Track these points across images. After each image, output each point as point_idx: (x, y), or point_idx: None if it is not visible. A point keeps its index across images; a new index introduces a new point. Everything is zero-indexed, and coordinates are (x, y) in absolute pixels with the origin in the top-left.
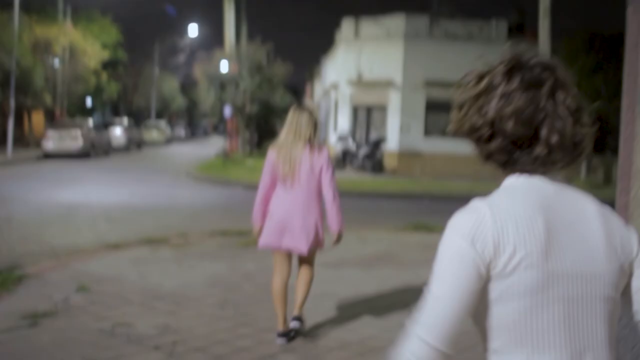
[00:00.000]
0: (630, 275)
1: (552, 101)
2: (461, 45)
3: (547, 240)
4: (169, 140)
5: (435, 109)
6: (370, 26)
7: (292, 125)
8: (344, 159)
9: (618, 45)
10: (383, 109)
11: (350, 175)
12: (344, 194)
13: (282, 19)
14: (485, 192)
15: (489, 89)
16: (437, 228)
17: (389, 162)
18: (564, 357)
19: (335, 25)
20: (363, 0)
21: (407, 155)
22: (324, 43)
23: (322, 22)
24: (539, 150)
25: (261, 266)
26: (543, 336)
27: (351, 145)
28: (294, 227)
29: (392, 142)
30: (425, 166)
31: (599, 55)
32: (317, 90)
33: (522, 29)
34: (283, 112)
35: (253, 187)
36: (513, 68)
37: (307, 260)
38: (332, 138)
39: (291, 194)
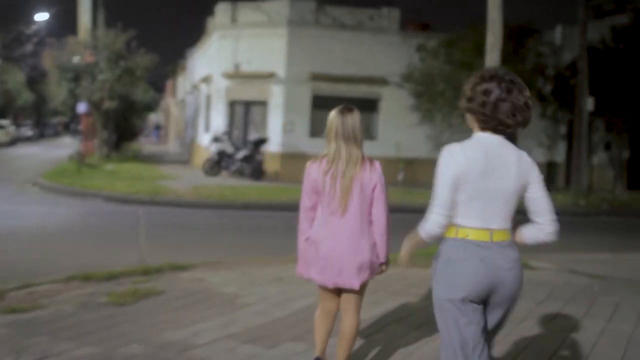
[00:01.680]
0: (527, 189)
1: (518, 99)
2: (350, 34)
3: (483, 170)
4: (14, 142)
5: (322, 105)
6: (249, 11)
7: (340, 133)
8: (219, 163)
9: (524, 36)
10: (264, 105)
11: (228, 182)
12: (226, 206)
13: (145, 7)
14: None
15: (487, 92)
16: None
17: (271, 166)
18: (480, 223)
19: (206, 13)
20: None
21: (290, 158)
22: (188, 37)
23: (189, 13)
24: (512, 125)
25: (151, 348)
26: (471, 214)
27: (228, 146)
28: (344, 261)
29: (274, 143)
30: None
31: (508, 47)
32: (182, 86)
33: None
34: (145, 109)
35: (116, 199)
36: (500, 80)
37: (355, 296)
38: (204, 139)
39: (340, 220)
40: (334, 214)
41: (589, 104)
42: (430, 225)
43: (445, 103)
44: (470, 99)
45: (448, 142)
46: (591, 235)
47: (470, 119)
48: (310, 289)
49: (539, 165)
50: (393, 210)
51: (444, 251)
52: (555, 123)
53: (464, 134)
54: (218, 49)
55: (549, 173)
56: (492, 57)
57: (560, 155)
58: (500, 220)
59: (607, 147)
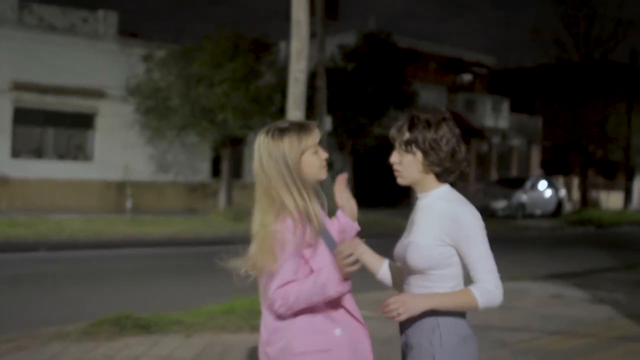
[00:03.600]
0: None
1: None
2: (61, 39)
3: None
4: None
5: (28, 120)
6: None
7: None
8: None
9: (261, 50)
10: None
11: None
12: None
13: None
14: (110, 234)
15: (442, 138)
16: (156, 323)
17: None
18: None
19: None
20: None
21: None
22: None
23: None
24: (457, 172)
25: None
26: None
27: None
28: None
29: None
30: (14, 197)
31: (247, 61)
32: None
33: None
34: None
35: None
36: (448, 121)
37: None
38: None
39: None
40: None
41: (327, 123)
42: (500, 291)
43: (180, 119)
44: (432, 149)
45: (175, 162)
46: None
47: (415, 169)
48: None
49: None
50: (147, 244)
51: (451, 328)
52: None
53: (195, 154)
54: None
55: None
56: (298, 67)
57: None
58: None
59: (330, 166)
